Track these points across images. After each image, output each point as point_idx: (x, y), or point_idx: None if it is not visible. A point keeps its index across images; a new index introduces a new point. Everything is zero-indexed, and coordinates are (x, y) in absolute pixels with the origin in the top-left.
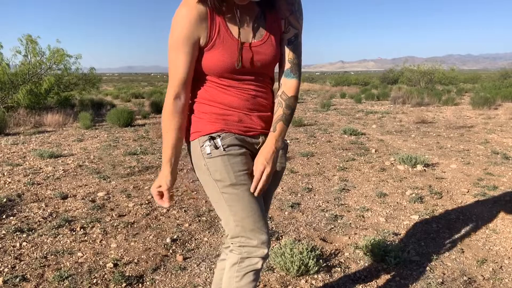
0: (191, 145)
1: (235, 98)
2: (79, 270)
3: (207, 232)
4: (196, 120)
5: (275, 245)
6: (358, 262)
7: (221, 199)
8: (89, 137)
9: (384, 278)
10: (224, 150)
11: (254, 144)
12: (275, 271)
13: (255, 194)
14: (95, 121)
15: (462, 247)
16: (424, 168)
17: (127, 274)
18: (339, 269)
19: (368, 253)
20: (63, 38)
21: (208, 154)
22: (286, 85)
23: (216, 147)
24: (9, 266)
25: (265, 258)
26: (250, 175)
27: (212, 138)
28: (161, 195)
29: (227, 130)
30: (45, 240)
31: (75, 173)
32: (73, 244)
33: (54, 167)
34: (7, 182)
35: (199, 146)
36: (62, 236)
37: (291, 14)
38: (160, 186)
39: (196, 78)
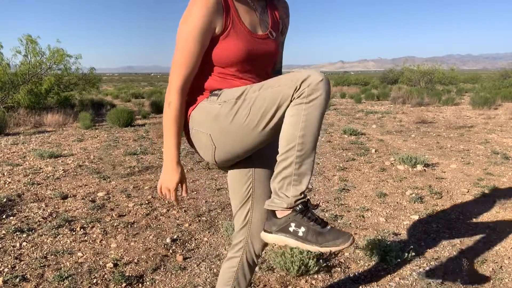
0: (196, 112)
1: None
2: (79, 270)
3: (207, 232)
4: (194, 99)
5: (275, 245)
6: (358, 262)
7: (259, 95)
8: (89, 137)
9: (384, 278)
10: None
11: None
12: (275, 271)
13: None
14: (95, 121)
15: (462, 247)
16: (424, 168)
17: (127, 274)
18: (339, 269)
19: (368, 253)
20: (63, 38)
21: (216, 97)
22: None
23: (220, 90)
24: (9, 266)
25: (323, 82)
26: None
27: (215, 91)
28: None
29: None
30: (45, 240)
31: (75, 173)
32: (73, 244)
33: (54, 167)
34: (7, 182)
35: (204, 104)
36: (62, 236)
37: (286, 17)
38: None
39: (200, 71)
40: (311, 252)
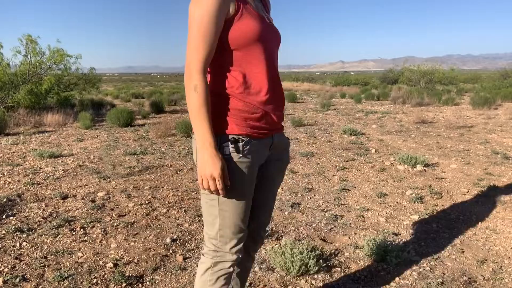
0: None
1: (259, 85)
2: (79, 270)
3: None
4: (218, 115)
5: (275, 245)
6: (358, 262)
7: (215, 200)
8: (89, 137)
9: (384, 278)
10: (244, 156)
11: (268, 144)
12: (275, 271)
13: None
14: (95, 121)
15: (462, 247)
16: (424, 168)
17: (127, 274)
18: (339, 269)
19: (368, 253)
20: (63, 38)
21: (226, 155)
22: None
23: (237, 151)
24: (9, 266)
25: (237, 262)
26: (254, 186)
27: (235, 141)
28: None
29: (249, 134)
30: (45, 240)
31: (75, 173)
32: (73, 244)
33: (54, 167)
34: (7, 182)
35: (228, 151)
36: (62, 236)
37: (269, 9)
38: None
39: (217, 64)
40: (311, 252)
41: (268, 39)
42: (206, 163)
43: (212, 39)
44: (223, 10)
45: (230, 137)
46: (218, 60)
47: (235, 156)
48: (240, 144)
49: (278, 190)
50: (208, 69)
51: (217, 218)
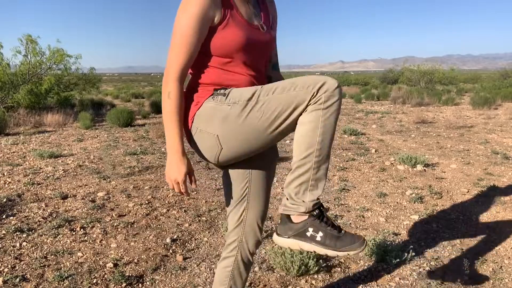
0: (202, 112)
1: (239, 81)
2: (79, 270)
3: (207, 232)
4: (196, 97)
5: (275, 245)
6: (358, 262)
7: (273, 98)
8: (89, 137)
9: (384, 278)
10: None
11: None
12: (275, 271)
13: None
14: (95, 121)
15: (462, 247)
16: (424, 168)
17: (127, 274)
18: (339, 269)
19: (368, 253)
20: (63, 38)
21: (224, 97)
22: (277, 77)
23: (225, 89)
24: (9, 266)
25: (339, 88)
26: None
27: (218, 90)
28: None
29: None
30: (45, 240)
31: (75, 173)
32: (73, 244)
33: (54, 167)
34: (7, 182)
35: (211, 104)
36: (62, 236)
37: (275, 12)
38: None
39: (198, 65)
40: (311, 252)
41: (253, 49)
42: (172, 168)
43: (193, 48)
44: (208, 18)
45: (213, 94)
46: (198, 62)
47: (228, 90)
48: (223, 89)
49: (278, 190)
50: (190, 70)
51: (289, 91)
